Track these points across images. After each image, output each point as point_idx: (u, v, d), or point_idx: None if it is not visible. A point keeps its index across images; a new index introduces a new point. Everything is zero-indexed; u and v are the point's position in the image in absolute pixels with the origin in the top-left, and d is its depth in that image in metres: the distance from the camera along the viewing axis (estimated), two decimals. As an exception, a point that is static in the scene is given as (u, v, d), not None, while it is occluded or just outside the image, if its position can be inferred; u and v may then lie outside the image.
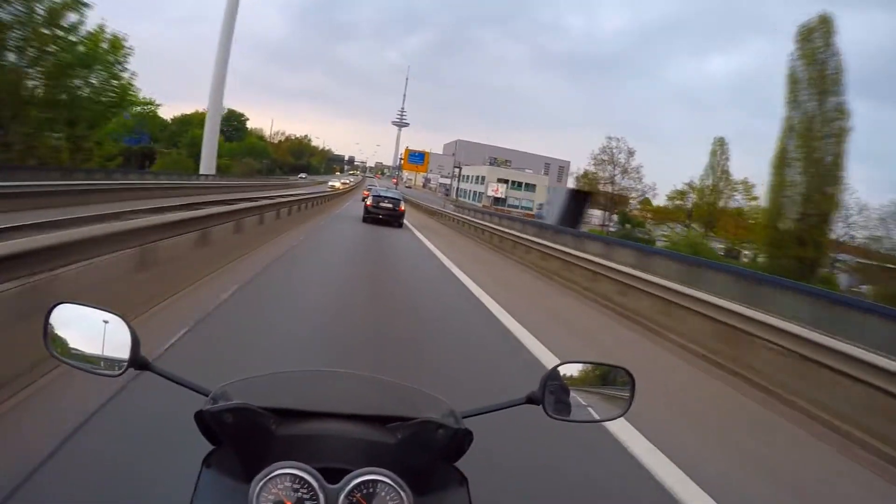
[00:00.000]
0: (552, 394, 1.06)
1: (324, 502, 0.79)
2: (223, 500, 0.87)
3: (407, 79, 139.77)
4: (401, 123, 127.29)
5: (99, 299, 1.43)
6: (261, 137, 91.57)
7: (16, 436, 2.61)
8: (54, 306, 1.02)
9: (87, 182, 15.64)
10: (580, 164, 79.11)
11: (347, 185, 56.21)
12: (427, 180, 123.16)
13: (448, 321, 6.50)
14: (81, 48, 19.66)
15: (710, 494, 2.85)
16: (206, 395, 0.96)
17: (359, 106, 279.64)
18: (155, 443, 2.45)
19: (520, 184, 74.58)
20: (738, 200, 47.83)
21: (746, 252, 38.99)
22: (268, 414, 0.92)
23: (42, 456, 2.28)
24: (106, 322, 1.00)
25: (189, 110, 79.03)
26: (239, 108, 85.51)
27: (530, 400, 1.05)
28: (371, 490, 0.81)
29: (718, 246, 45.50)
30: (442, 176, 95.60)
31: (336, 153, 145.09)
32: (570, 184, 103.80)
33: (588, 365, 1.11)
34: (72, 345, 1.01)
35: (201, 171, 36.23)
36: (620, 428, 3.38)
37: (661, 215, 57.89)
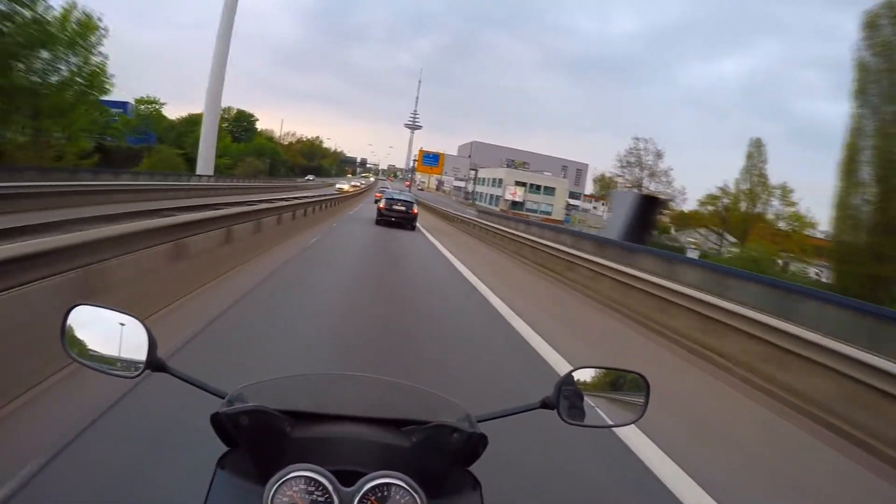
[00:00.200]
0: (566, 399, 1.05)
1: None
2: (238, 502, 0.86)
3: (420, 81, 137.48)
4: (413, 126, 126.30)
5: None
6: (270, 138, 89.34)
7: (27, 433, 2.61)
8: (72, 308, 1.01)
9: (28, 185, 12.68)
10: (598, 166, 76.67)
11: (357, 188, 53.33)
12: (440, 183, 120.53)
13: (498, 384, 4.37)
14: (40, 27, 16.66)
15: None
16: (222, 398, 0.96)
17: (371, 109, 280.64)
18: (168, 443, 2.47)
19: (538, 187, 71.22)
20: (774, 206, 44.45)
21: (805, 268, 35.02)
22: (283, 416, 0.91)
23: (53, 453, 2.30)
24: (123, 324, 1.00)
25: (199, 111, 77.32)
26: (251, 111, 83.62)
27: (545, 405, 1.04)
28: (385, 493, 0.80)
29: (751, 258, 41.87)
30: (456, 179, 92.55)
31: (348, 155, 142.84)
32: (589, 188, 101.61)
33: (602, 370, 1.09)
34: (89, 346, 1.01)
35: (198, 172, 33.44)
36: (638, 436, 3.33)
37: (693, 222, 54.46)
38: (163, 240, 5.23)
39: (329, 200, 20.93)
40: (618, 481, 2.93)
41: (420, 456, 0.91)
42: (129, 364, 0.99)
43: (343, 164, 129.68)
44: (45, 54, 17.46)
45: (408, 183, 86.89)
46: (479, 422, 0.99)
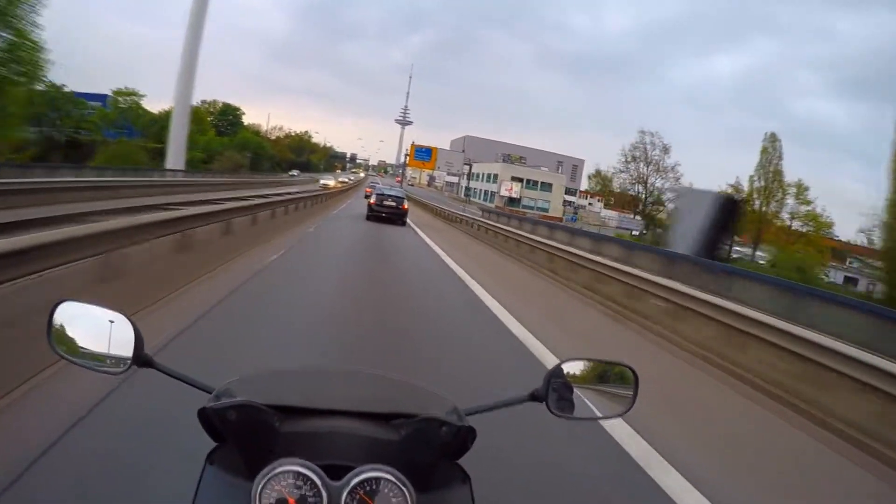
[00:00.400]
0: (555, 391, 1.05)
1: (326, 500, 0.79)
2: (226, 497, 0.86)
3: (411, 76, 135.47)
4: (404, 121, 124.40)
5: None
6: (257, 132, 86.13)
7: (15, 429, 2.64)
8: (58, 304, 1.01)
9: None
10: (592, 163, 74.44)
11: (346, 184, 50.35)
12: (432, 178, 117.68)
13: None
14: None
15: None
16: (209, 392, 0.95)
17: (362, 104, 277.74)
18: (158, 439, 2.47)
19: (535, 183, 68.65)
20: (788, 205, 42.18)
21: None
22: (271, 411, 0.90)
23: (41, 450, 2.32)
24: (110, 320, 0.99)
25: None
26: (240, 106, 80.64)
27: (533, 397, 1.04)
28: (374, 487, 0.80)
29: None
30: (449, 174, 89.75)
31: (338, 150, 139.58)
32: (584, 184, 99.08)
33: (591, 362, 1.09)
34: (75, 342, 1.00)
35: (168, 166, 30.49)
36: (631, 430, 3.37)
37: None
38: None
39: (310, 198, 18.28)
40: (606, 473, 2.97)
41: (409, 449, 0.90)
42: (115, 360, 0.99)
43: (332, 160, 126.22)
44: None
45: (398, 179, 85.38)
46: (468, 415, 0.99)
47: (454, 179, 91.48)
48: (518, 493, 2.52)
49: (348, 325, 5.43)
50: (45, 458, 2.27)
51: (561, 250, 11.50)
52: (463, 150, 68.11)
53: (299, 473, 0.79)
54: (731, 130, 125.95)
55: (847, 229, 49.34)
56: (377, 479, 0.80)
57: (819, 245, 38.63)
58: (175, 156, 31.36)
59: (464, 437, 0.95)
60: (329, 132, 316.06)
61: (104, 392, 2.83)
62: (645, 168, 51.73)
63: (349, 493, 0.79)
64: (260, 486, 0.78)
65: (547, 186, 69.23)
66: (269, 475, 0.79)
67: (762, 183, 42.48)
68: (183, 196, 17.88)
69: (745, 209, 38.88)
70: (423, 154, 57.69)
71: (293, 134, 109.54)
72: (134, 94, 56.98)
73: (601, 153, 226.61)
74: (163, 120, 64.10)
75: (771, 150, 42.65)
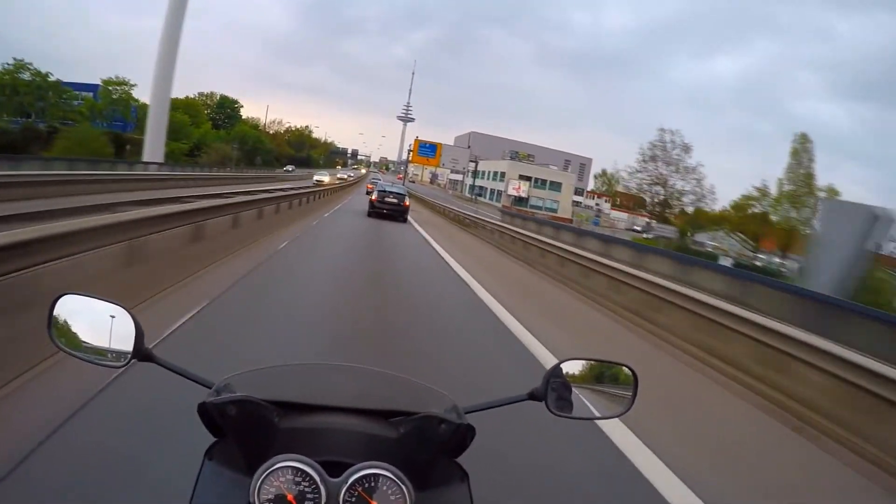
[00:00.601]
0: (554, 391, 1.05)
1: (325, 496, 0.79)
2: (225, 492, 0.86)
3: (413, 73, 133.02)
4: (406, 118, 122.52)
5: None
6: (256, 126, 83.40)
7: (13, 420, 2.64)
8: (59, 297, 1.00)
9: None
10: (598, 163, 72.04)
11: (344, 181, 47.08)
12: (434, 176, 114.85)
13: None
14: None
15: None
16: (209, 387, 0.95)
17: (363, 101, 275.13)
18: (155, 432, 2.49)
19: (543, 182, 65.75)
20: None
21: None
22: (271, 406, 0.90)
23: (37, 442, 2.32)
24: (110, 314, 0.99)
25: (182, 95, 71.39)
26: (244, 103, 78.24)
27: (532, 396, 1.04)
28: (372, 484, 0.80)
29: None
30: (452, 171, 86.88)
31: (339, 146, 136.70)
32: (591, 184, 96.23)
33: (591, 362, 1.09)
34: (75, 335, 1.00)
35: (145, 158, 27.68)
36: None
37: (708, 222, 49.41)
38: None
39: (299, 196, 15.51)
40: (603, 473, 2.98)
41: (407, 447, 0.90)
42: (116, 354, 0.98)
43: (333, 156, 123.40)
44: None
45: (400, 176, 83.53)
46: (467, 413, 0.98)
47: (458, 177, 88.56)
48: (515, 491, 2.52)
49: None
50: (43, 450, 2.29)
51: (636, 279, 7.97)
52: (468, 147, 64.95)
53: (298, 469, 0.79)
54: (732, 131, 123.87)
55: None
56: (376, 476, 0.80)
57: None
58: (153, 147, 28.51)
59: (463, 435, 0.94)
60: (330, 128, 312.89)
61: (105, 383, 2.85)
62: (665, 169, 48.51)
63: (347, 489, 0.79)
64: (259, 482, 0.78)
65: (556, 186, 66.35)
66: (268, 470, 0.78)
67: (792, 187, 39.63)
68: (167, 192, 15.30)
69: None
70: (427, 150, 54.76)
71: (293, 129, 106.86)
72: (124, 83, 54.28)
73: (607, 152, 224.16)
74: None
75: (801, 152, 39.69)
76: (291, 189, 17.17)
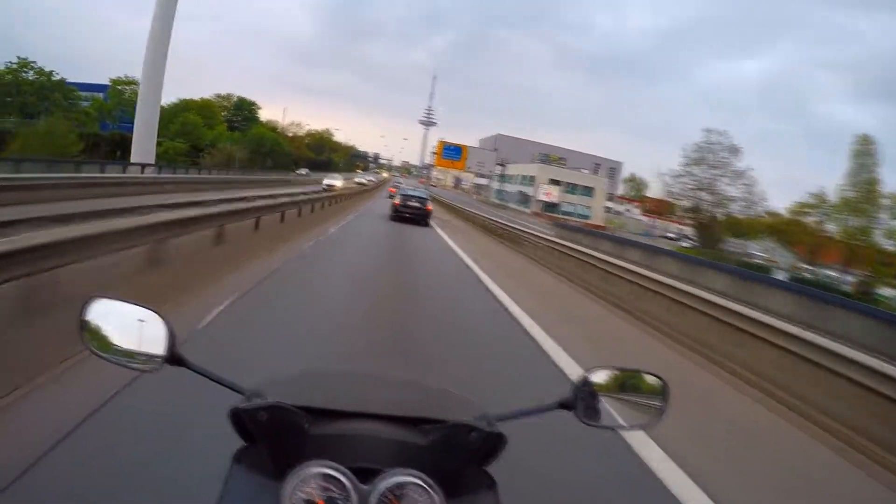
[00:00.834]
0: (584, 400, 1.03)
1: (356, 502, 0.79)
2: (253, 497, 0.86)
3: (434, 77, 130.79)
4: (428, 122, 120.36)
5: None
6: (274, 129, 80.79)
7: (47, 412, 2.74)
8: (90, 300, 1.01)
9: None
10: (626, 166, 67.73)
11: (363, 186, 42.73)
12: (458, 180, 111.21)
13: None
14: None
15: None
16: (239, 392, 0.96)
17: (385, 106, 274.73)
18: (183, 436, 2.53)
19: (574, 186, 61.65)
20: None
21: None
22: (301, 412, 0.90)
23: (57, 440, 2.38)
24: (142, 317, 0.99)
25: (195, 96, 69.12)
26: (263, 106, 75.95)
27: (562, 405, 1.03)
28: (403, 491, 0.80)
29: None
30: (477, 175, 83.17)
31: (360, 150, 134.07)
32: (621, 189, 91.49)
33: (621, 371, 1.07)
34: (107, 339, 1.00)
35: (134, 159, 24.54)
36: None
37: (750, 230, 44.97)
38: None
39: (296, 205, 12.12)
40: (626, 484, 2.95)
41: (437, 454, 0.90)
42: (147, 358, 0.98)
43: (354, 159, 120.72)
44: None
45: (422, 180, 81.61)
46: (497, 421, 0.97)
47: (483, 181, 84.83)
48: (542, 500, 2.51)
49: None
50: (71, 446, 2.35)
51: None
52: (496, 149, 61.39)
53: (329, 476, 0.79)
54: (760, 134, 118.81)
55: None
56: (407, 484, 0.80)
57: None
58: (142, 147, 25.36)
59: (493, 444, 0.94)
60: (351, 132, 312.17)
61: (128, 385, 2.88)
62: (712, 173, 43.95)
63: (379, 496, 0.79)
64: (290, 487, 0.78)
65: (588, 191, 62.18)
66: (300, 476, 0.79)
67: (854, 193, 35.16)
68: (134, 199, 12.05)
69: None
70: (452, 152, 51.35)
71: (313, 132, 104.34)
72: (134, 83, 51.84)
73: (633, 157, 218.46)
74: (167, 112, 59.55)
75: (863, 155, 35.20)
76: (287, 196, 13.71)
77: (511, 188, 66.36)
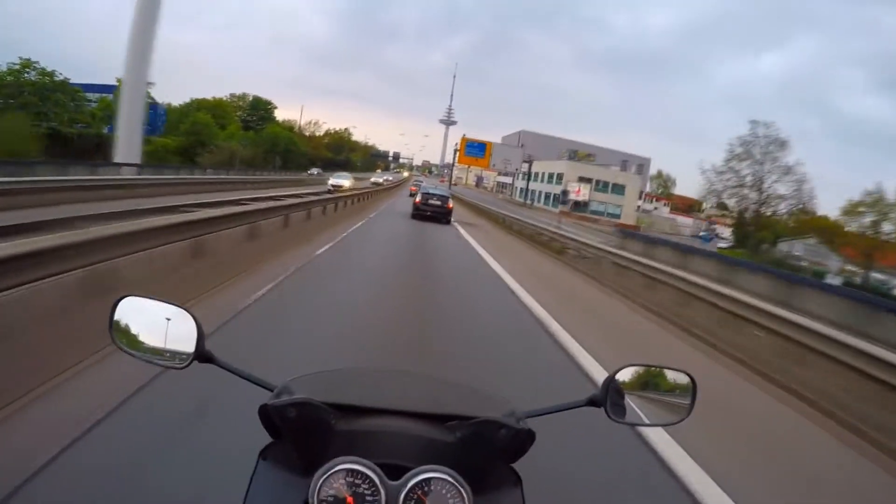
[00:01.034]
0: (612, 397, 1.02)
1: (384, 498, 0.79)
2: (280, 493, 0.87)
3: (454, 76, 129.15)
4: (448, 121, 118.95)
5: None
6: (291, 128, 78.64)
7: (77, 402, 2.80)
8: (120, 299, 1.02)
9: None
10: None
11: (379, 186, 37.98)
12: (479, 179, 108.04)
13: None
14: None
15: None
16: (270, 390, 0.96)
17: (404, 105, 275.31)
18: (209, 433, 2.56)
19: (605, 184, 58.05)
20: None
21: None
22: (329, 409, 0.90)
23: (82, 431, 2.43)
24: (169, 315, 1.01)
25: (203, 95, 67.26)
26: (283, 107, 73.78)
27: (591, 402, 1.02)
28: (431, 488, 0.80)
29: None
30: (500, 173, 79.89)
31: (380, 149, 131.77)
32: (648, 187, 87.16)
33: (650, 369, 1.06)
34: (136, 336, 1.01)
35: (118, 159, 21.95)
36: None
37: (788, 230, 41.01)
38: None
39: (281, 210, 9.80)
40: (650, 483, 2.91)
41: (465, 451, 0.90)
42: (175, 355, 0.99)
43: (374, 158, 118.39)
44: None
45: (443, 179, 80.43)
46: (526, 418, 0.97)
47: (507, 180, 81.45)
48: (568, 497, 2.50)
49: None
50: (96, 440, 2.39)
51: None
52: (522, 145, 58.18)
53: (357, 472, 0.79)
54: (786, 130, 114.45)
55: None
56: (435, 480, 0.79)
57: None
58: (127, 146, 22.75)
59: (522, 441, 0.93)
60: (371, 132, 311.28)
61: (156, 378, 2.92)
62: (759, 168, 40.00)
63: (407, 492, 0.79)
64: (319, 483, 0.78)
65: (619, 189, 58.51)
66: (329, 472, 0.79)
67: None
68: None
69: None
70: (476, 149, 48.20)
71: (332, 131, 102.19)
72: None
73: (656, 154, 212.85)
74: (177, 112, 57.58)
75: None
76: (277, 199, 10.85)
77: (537, 186, 62.96)
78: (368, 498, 0.78)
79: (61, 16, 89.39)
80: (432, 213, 18.95)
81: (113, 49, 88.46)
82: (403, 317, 5.74)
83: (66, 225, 5.39)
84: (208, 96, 64.53)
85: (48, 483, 2.09)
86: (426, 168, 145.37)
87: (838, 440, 4.29)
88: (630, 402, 1.03)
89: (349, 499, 0.78)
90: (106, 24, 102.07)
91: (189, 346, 0.98)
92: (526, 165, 54.89)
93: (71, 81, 44.96)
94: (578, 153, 67.15)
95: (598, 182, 57.62)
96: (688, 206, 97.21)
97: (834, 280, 29.32)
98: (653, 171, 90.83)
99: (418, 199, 19.74)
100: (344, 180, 30.67)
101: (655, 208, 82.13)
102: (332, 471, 0.78)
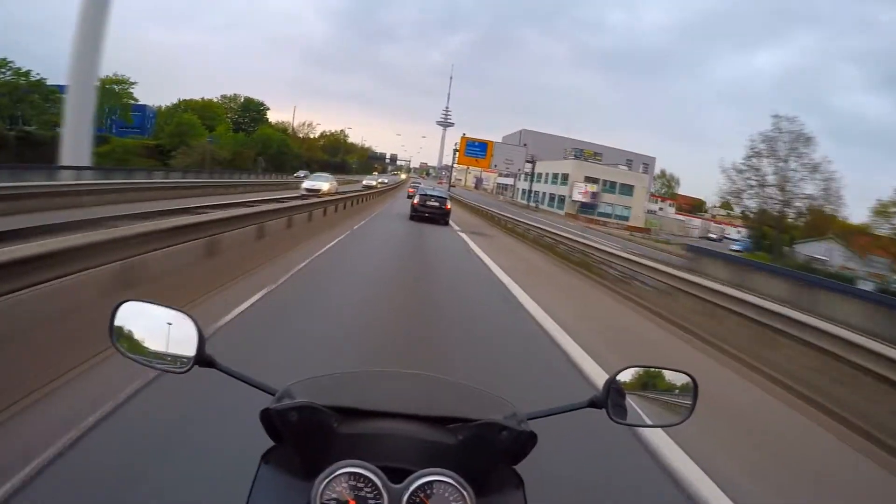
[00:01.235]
0: (614, 398, 1.02)
1: (387, 502, 0.78)
2: (282, 497, 0.86)
3: (451, 77, 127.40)
4: (445, 123, 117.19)
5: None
6: (284, 130, 75.83)
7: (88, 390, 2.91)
8: (121, 303, 1.02)
9: None
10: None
11: (372, 189, 33.92)
12: (478, 180, 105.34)
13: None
14: None
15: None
16: (272, 394, 0.96)
17: (401, 108, 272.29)
18: (210, 437, 2.56)
19: (613, 184, 55.20)
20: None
21: None
22: (331, 412, 0.90)
23: (83, 434, 2.44)
24: (170, 319, 1.00)
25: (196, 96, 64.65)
26: (282, 110, 70.97)
27: (593, 403, 1.02)
28: (434, 491, 0.79)
29: None
30: (501, 175, 77.07)
31: (377, 151, 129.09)
32: (652, 187, 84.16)
33: (651, 370, 1.06)
34: (137, 341, 1.01)
35: (65, 161, 19.10)
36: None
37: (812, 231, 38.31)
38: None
39: (198, 230, 6.49)
40: (654, 484, 2.87)
41: (467, 453, 0.89)
42: (176, 359, 0.98)
43: (371, 161, 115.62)
44: None
45: (441, 181, 78.74)
46: (528, 420, 0.96)
47: (507, 181, 78.55)
48: (569, 498, 2.48)
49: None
50: (88, 441, 2.39)
51: None
52: (525, 144, 55.33)
53: (360, 475, 0.78)
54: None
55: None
56: (438, 483, 0.79)
57: None
58: (75, 146, 19.78)
59: (524, 442, 0.92)
60: (368, 135, 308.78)
61: (155, 382, 2.94)
62: (783, 166, 36.94)
63: (410, 495, 0.78)
64: (321, 486, 0.78)
65: (627, 189, 55.66)
66: (331, 476, 0.78)
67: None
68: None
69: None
70: (477, 149, 45.36)
71: (327, 133, 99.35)
72: (124, 81, 47.16)
73: (657, 153, 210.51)
74: (166, 115, 54.86)
75: None
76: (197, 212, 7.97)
77: (540, 188, 60.09)
78: (371, 501, 0.78)
79: (37, 12, 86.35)
80: (430, 214, 18.72)
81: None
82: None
83: None
84: (201, 98, 61.99)
85: (47, 484, 2.10)
86: (424, 170, 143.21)
87: None
88: (631, 403, 1.01)
89: (352, 502, 0.77)
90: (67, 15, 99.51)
91: (190, 350, 0.97)
92: (528, 166, 51.97)
93: (50, 82, 42.28)
94: (586, 152, 64.26)
95: (605, 182, 54.78)
96: (692, 206, 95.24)
97: (866, 286, 26.95)
98: (656, 170, 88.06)
99: (416, 200, 19.46)
100: (323, 183, 25.65)
101: (661, 209, 79.52)
102: (335, 474, 0.78)
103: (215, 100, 65.90)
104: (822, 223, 39.99)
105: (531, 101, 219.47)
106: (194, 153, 39.89)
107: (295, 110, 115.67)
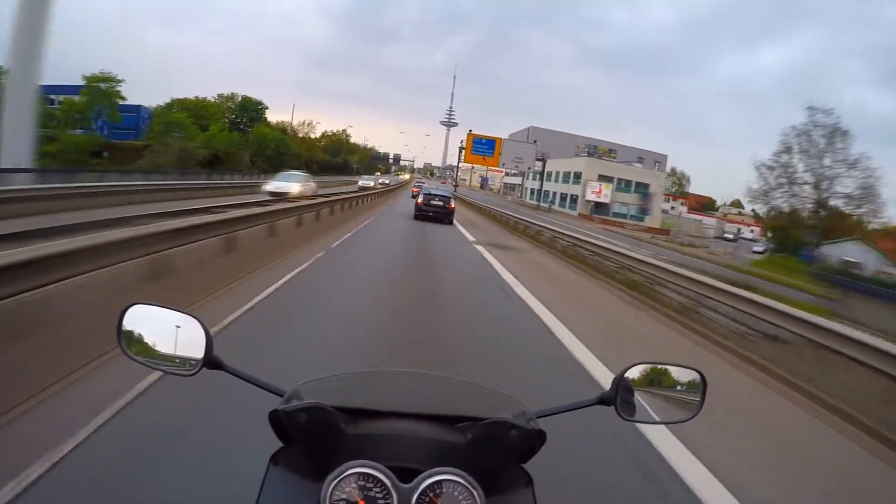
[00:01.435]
0: (623, 395, 1.02)
1: (397, 502, 0.78)
2: (291, 498, 0.86)
3: (455, 77, 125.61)
4: (449, 123, 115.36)
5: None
6: (284, 130, 73.22)
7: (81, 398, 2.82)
8: (128, 306, 1.01)
9: None
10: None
11: (368, 189, 30.05)
12: (484, 180, 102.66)
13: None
14: None
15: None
16: (280, 395, 0.96)
17: (405, 108, 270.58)
18: (219, 438, 2.52)
19: (628, 183, 52.33)
20: None
21: None
22: (338, 413, 0.90)
23: (86, 436, 2.44)
24: (178, 322, 1.00)
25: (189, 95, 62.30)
26: (288, 119, 68.53)
27: (602, 401, 1.02)
28: (443, 490, 0.79)
29: None
30: (508, 173, 74.28)
31: (381, 151, 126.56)
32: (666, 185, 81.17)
33: (660, 366, 1.05)
34: (146, 344, 1.00)
35: (3, 164, 16.42)
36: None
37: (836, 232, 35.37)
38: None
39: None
40: (663, 482, 2.82)
41: (476, 452, 0.89)
42: (184, 362, 0.98)
43: (374, 161, 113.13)
44: None
45: (445, 181, 77.38)
46: (538, 418, 0.96)
47: (514, 180, 75.71)
48: (578, 497, 2.45)
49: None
50: (99, 445, 2.38)
51: None
52: (534, 141, 52.52)
53: (369, 475, 0.78)
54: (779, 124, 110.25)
55: None
56: (447, 482, 0.79)
57: None
58: (14, 146, 17.16)
59: (533, 441, 0.92)
60: (372, 135, 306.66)
61: (161, 384, 2.94)
62: (819, 163, 33.90)
63: (419, 495, 0.78)
64: (330, 487, 0.78)
65: (642, 188, 52.79)
66: (340, 476, 0.78)
67: None
68: None
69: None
70: (484, 147, 42.66)
71: (328, 133, 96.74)
72: (110, 79, 44.45)
73: (665, 151, 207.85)
74: (158, 114, 52.36)
75: None
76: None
77: (550, 187, 57.24)
78: (380, 501, 0.77)
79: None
80: (434, 212, 19.03)
81: (82, 46, 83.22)
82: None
83: None
84: (195, 97, 59.55)
85: (49, 485, 2.11)
86: (428, 170, 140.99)
87: None
88: (640, 400, 1.01)
89: (361, 502, 0.77)
90: (75, 19, 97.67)
91: (198, 352, 0.97)
92: (538, 164, 49.16)
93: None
94: (599, 149, 61.32)
95: (620, 180, 51.94)
96: (702, 205, 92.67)
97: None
98: (666, 168, 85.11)
99: (420, 199, 19.83)
100: (292, 184, 20.28)
101: (673, 208, 76.82)
102: (344, 475, 0.78)
103: (211, 99, 63.48)
104: (847, 224, 37.11)
105: (535, 101, 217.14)
106: (167, 152, 36.81)
107: (294, 109, 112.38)
